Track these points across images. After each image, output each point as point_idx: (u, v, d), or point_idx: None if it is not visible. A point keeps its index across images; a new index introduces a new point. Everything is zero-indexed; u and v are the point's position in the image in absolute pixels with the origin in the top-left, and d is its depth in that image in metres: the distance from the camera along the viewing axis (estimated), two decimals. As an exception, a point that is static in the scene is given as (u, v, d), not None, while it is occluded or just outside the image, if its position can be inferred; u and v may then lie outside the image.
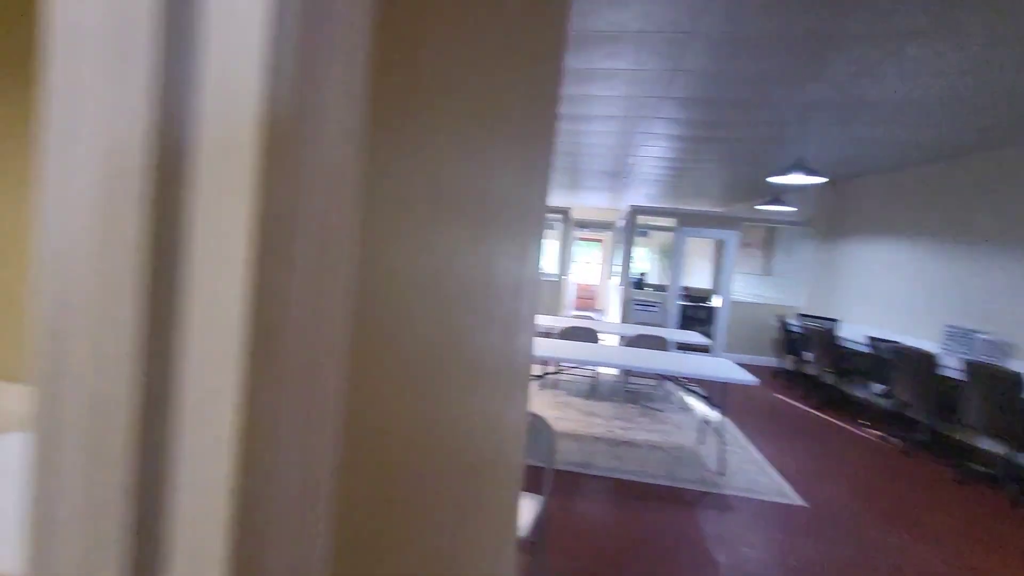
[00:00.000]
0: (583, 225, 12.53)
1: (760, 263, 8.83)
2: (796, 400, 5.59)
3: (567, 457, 3.46)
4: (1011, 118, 3.87)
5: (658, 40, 2.87)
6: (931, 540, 2.79)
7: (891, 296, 5.99)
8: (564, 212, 9.59)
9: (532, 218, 1.04)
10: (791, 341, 6.47)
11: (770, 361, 7.52)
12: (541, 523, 1.97)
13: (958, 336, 4.50)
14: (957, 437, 4.52)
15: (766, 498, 3.13)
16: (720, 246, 7.84)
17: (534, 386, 5.11)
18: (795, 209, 6.25)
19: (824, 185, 7.25)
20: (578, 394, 5.06)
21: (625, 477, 3.24)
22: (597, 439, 3.85)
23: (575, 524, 2.65)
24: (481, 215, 0.61)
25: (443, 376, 0.48)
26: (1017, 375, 3.31)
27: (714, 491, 3.16)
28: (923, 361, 4.01)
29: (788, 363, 7.05)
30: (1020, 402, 3.29)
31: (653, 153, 5.99)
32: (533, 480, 2.03)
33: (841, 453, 4.06)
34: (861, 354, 5.16)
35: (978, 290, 4.80)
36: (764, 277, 8.58)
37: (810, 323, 5.91)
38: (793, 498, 3.16)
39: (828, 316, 6.54)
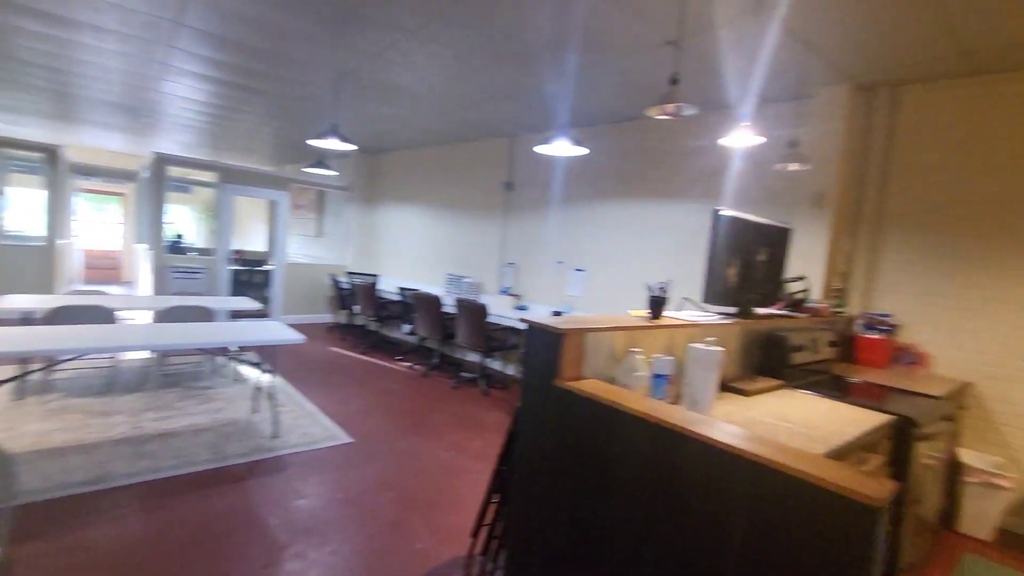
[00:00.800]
0: (89, 173, 9.51)
1: (314, 225, 9.11)
2: (348, 350, 6.19)
3: (66, 478, 2.64)
4: (481, 118, 5.31)
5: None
6: (437, 434, 3.69)
7: (413, 252, 7.39)
8: (50, 151, 7.00)
9: None
10: (343, 297, 7.05)
11: (327, 318, 7.99)
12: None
13: (454, 281, 6.01)
14: (456, 355, 6.13)
15: (319, 446, 3.34)
16: (273, 207, 7.60)
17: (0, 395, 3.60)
18: (337, 174, 6.69)
19: (363, 155, 8.06)
20: (87, 393, 3.91)
21: (160, 476, 2.75)
22: (117, 442, 3.10)
23: (79, 562, 2.06)
24: None
25: None
26: (483, 306, 4.72)
27: (268, 456, 3.12)
28: (432, 302, 5.16)
29: (342, 317, 7.69)
30: (485, 325, 4.72)
31: (182, 92, 5.07)
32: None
33: (381, 387, 4.79)
34: (395, 302, 6.17)
35: (463, 246, 6.54)
36: (317, 238, 8.93)
37: (357, 279, 6.58)
38: (342, 438, 3.50)
39: (371, 272, 7.45)
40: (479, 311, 4.71)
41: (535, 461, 1.77)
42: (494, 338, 4.85)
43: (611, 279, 4.85)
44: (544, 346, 1.71)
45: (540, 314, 4.84)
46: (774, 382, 2.31)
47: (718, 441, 1.26)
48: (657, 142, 4.51)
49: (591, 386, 1.64)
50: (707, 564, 1.25)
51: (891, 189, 3.35)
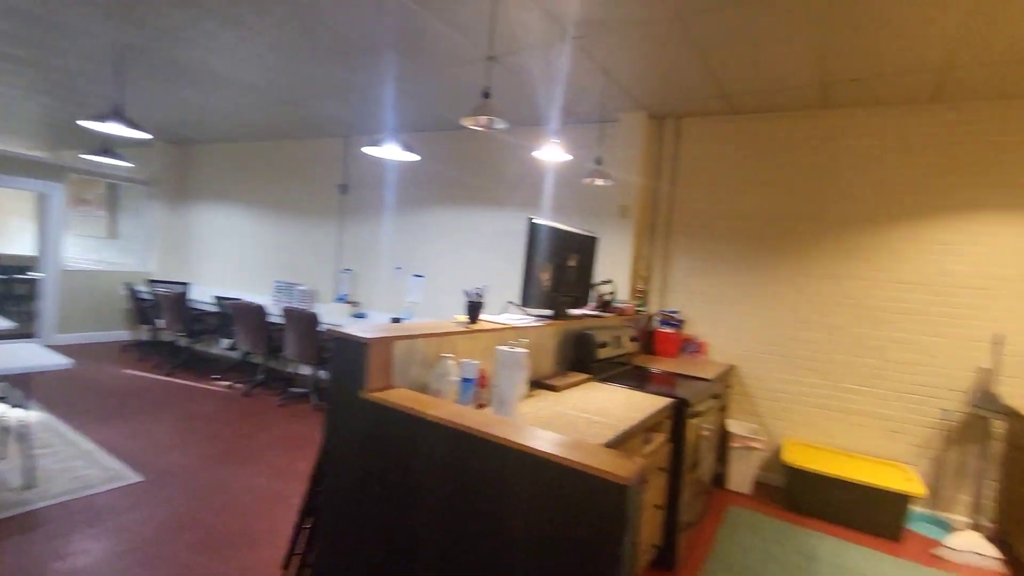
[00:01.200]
0: None
1: (105, 224, 7.62)
2: (149, 371, 5.28)
3: None
4: (308, 115, 4.94)
5: None
6: (255, 460, 3.33)
7: (235, 257, 6.62)
8: None
9: None
10: (142, 310, 6.01)
11: (123, 335, 6.73)
12: None
13: (284, 289, 5.52)
14: (287, 370, 5.63)
15: (95, 491, 2.77)
16: (43, 201, 6.16)
17: None
18: (132, 165, 5.69)
19: (170, 144, 6.99)
20: None
21: None
22: None
23: None
24: None
25: None
26: (314, 314, 4.40)
27: (16, 513, 2.50)
28: (256, 313, 4.67)
29: (144, 334, 6.55)
30: (316, 334, 4.41)
31: None
32: None
33: (190, 412, 4.17)
34: (210, 314, 5.44)
35: (295, 251, 6.05)
36: (109, 241, 7.48)
37: (161, 289, 5.66)
38: (130, 477, 2.96)
39: (180, 280, 6.49)
40: (309, 320, 4.38)
41: (344, 478, 1.69)
42: (327, 348, 4.55)
43: (449, 284, 4.90)
44: (350, 357, 1.64)
45: (379, 321, 4.68)
46: (582, 376, 2.54)
47: (504, 439, 1.32)
48: (482, 151, 4.69)
49: (398, 395, 1.61)
50: (498, 558, 1.31)
51: (677, 204, 3.94)
